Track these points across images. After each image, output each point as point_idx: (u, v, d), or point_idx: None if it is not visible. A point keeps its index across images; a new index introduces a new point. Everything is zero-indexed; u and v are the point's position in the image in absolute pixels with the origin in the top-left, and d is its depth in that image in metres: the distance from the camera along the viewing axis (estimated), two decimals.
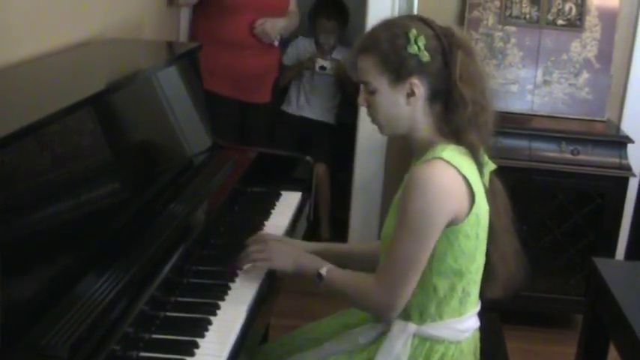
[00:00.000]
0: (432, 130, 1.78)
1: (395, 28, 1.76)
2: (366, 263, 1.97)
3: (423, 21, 1.78)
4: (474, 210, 1.72)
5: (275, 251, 1.92)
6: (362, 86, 1.81)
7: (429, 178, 1.69)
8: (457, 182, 1.70)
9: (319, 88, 4.17)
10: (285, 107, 4.22)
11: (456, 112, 1.75)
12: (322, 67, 4.04)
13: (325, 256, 1.95)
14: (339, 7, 4.17)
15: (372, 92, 1.78)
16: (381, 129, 1.84)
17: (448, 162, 1.70)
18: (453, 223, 1.71)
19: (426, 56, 1.72)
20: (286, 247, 1.96)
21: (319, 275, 1.82)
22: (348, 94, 4.06)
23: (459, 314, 1.80)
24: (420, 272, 1.72)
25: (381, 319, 1.84)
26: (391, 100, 1.76)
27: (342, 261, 2.04)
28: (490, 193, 1.82)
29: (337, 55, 4.11)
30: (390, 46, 1.74)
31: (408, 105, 1.76)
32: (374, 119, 1.82)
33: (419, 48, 1.72)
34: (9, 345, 1.31)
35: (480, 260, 1.80)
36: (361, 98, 1.81)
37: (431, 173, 1.69)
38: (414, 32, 1.72)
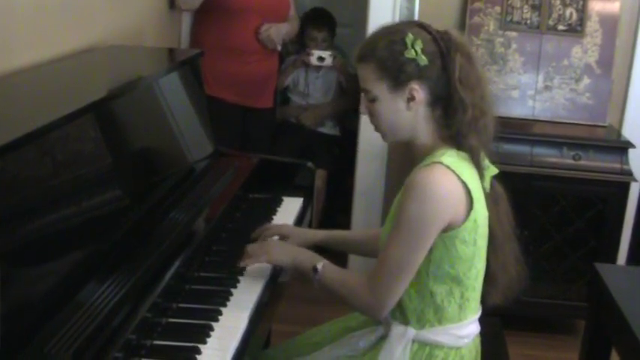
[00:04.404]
0: (434, 135, 1.79)
1: (392, 35, 1.76)
2: (368, 247, 2.03)
3: (420, 26, 1.79)
4: (472, 216, 1.72)
5: (273, 246, 1.96)
6: (363, 95, 1.82)
7: (427, 183, 1.69)
8: (455, 187, 1.70)
9: (319, 89, 4.12)
10: (287, 117, 4.17)
11: (456, 116, 1.75)
12: (321, 58, 3.84)
13: (331, 242, 2.12)
14: (327, 17, 4.16)
15: (372, 100, 1.78)
16: (383, 136, 1.85)
17: (448, 167, 1.70)
18: (449, 228, 1.71)
19: (424, 60, 1.72)
20: (284, 244, 2.00)
21: (315, 269, 1.83)
22: (350, 92, 4.02)
23: (458, 320, 1.80)
24: (411, 275, 1.72)
25: (370, 318, 1.86)
26: (392, 107, 1.76)
27: (346, 247, 2.22)
28: (491, 199, 1.82)
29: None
30: (387, 52, 1.74)
31: (408, 110, 1.76)
32: (376, 127, 1.83)
33: (416, 52, 1.72)
34: (11, 352, 1.31)
35: (480, 266, 1.80)
36: (363, 107, 1.82)
37: (429, 177, 1.69)
38: (410, 37, 1.72)
